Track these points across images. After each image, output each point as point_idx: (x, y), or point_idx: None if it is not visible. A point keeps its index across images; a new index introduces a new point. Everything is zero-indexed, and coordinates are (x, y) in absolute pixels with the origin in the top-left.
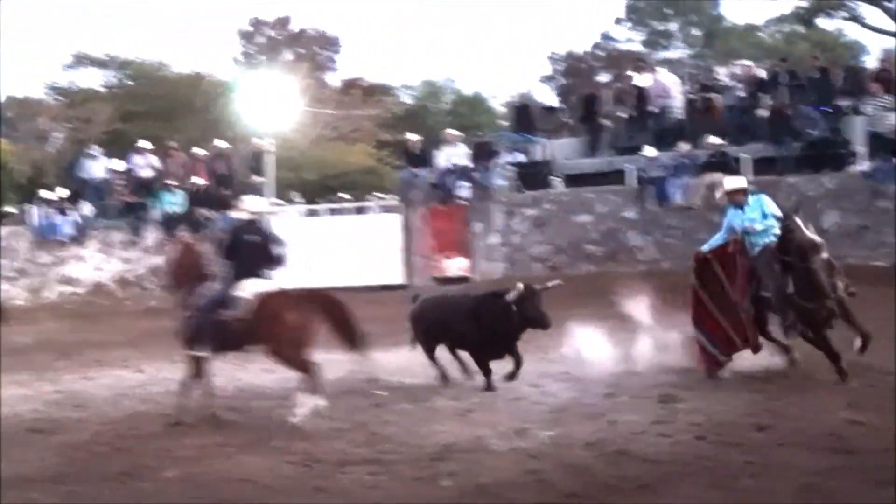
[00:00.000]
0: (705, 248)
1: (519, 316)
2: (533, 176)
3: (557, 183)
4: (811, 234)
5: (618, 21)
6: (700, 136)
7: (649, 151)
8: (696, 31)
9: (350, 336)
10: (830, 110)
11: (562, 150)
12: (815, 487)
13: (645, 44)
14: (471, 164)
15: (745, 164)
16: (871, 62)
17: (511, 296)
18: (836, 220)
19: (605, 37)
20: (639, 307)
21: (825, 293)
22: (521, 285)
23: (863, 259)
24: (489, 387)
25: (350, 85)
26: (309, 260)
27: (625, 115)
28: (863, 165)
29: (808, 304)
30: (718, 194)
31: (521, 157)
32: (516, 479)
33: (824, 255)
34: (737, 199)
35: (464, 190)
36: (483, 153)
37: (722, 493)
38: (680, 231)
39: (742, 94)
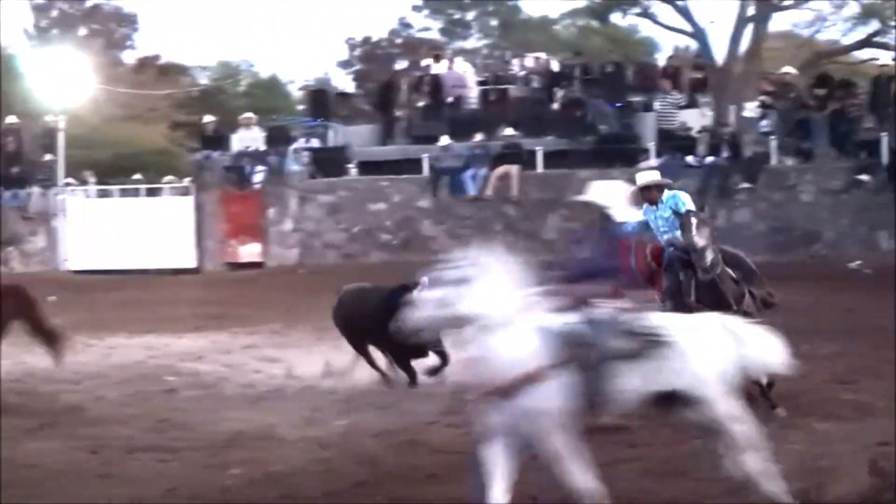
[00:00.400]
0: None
1: None
2: (328, 162)
3: (352, 170)
4: (697, 236)
5: (415, 8)
6: (495, 127)
7: (443, 141)
8: (492, 22)
9: (38, 330)
10: (622, 106)
11: (357, 136)
12: (600, 479)
13: (442, 32)
14: (266, 149)
15: (538, 157)
16: (664, 59)
17: None
18: None
19: (403, 23)
20: None
21: (727, 303)
22: None
23: None
24: (413, 382)
25: (145, 63)
26: (100, 241)
27: (421, 104)
28: (652, 161)
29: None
30: (630, 191)
31: (316, 143)
32: (306, 468)
33: (709, 257)
34: (649, 196)
35: (258, 174)
36: (278, 138)
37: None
38: (473, 221)
39: (536, 86)
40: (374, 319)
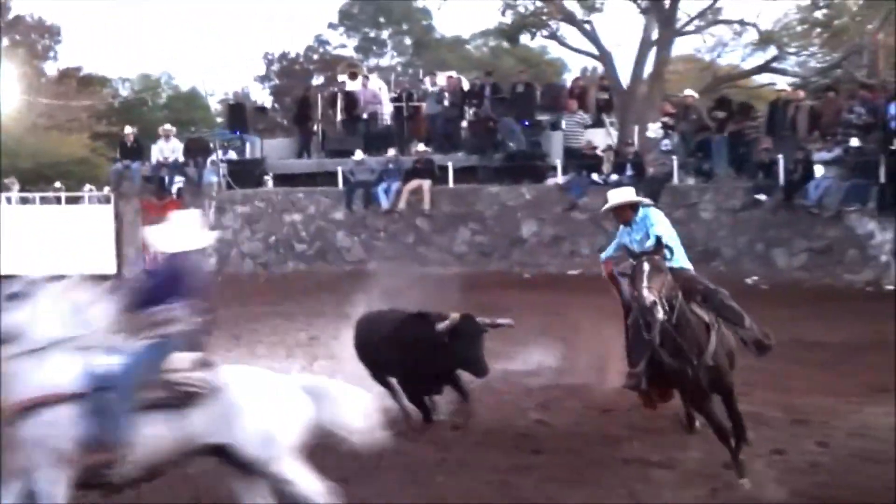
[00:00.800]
0: (604, 255)
1: (449, 351)
2: (245, 174)
3: (268, 182)
4: (647, 289)
5: (331, 26)
6: (407, 142)
7: (358, 155)
8: (407, 40)
9: None
10: (531, 124)
11: (274, 149)
12: (505, 484)
13: (358, 49)
14: (184, 160)
15: (449, 172)
16: (571, 80)
17: (442, 326)
18: (534, 229)
19: (319, 40)
20: (350, 306)
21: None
22: (456, 315)
23: (558, 268)
24: (427, 419)
25: (67, 75)
26: (21, 248)
27: (336, 119)
28: (559, 178)
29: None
30: (602, 211)
31: (233, 155)
32: (214, 471)
33: (659, 314)
34: (623, 217)
35: (177, 185)
36: (196, 149)
37: (417, 488)
38: (386, 233)
39: (448, 104)
40: (387, 349)
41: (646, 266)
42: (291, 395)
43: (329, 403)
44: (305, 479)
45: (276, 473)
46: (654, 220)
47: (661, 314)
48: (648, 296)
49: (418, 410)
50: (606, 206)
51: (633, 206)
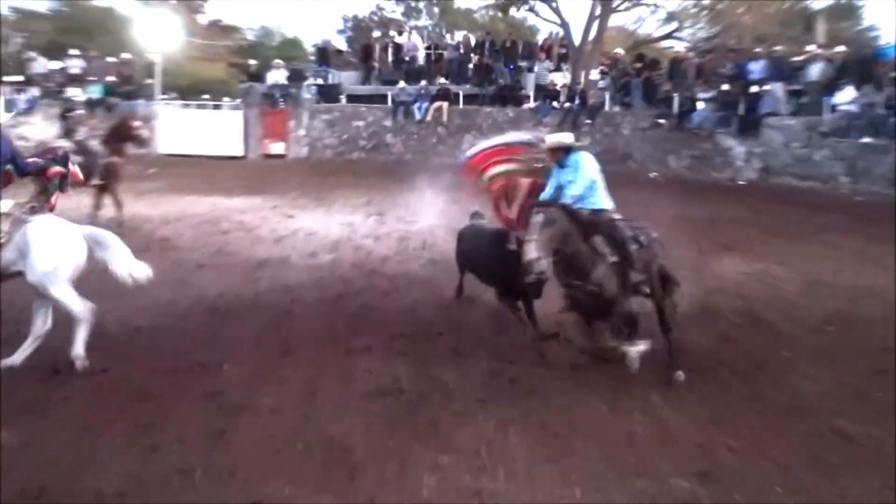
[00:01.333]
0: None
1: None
2: (328, 94)
3: (343, 99)
4: (535, 244)
5: None
6: (434, 77)
7: (401, 84)
8: (435, 9)
9: None
10: (514, 68)
11: (347, 78)
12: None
13: (403, 14)
14: (288, 83)
15: (460, 98)
16: (541, 39)
17: (510, 245)
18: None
19: (378, 7)
20: (393, 182)
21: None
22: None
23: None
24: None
25: (212, 24)
26: (182, 137)
27: (388, 60)
28: (531, 104)
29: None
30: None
31: (320, 81)
32: (306, 283)
33: (537, 269)
34: (555, 157)
35: (283, 100)
36: (296, 77)
37: (436, 297)
38: (418, 136)
39: (461, 52)
40: (483, 256)
41: (539, 218)
42: (72, 240)
43: (105, 248)
44: (73, 301)
45: (51, 295)
46: (583, 164)
47: (539, 269)
48: (531, 252)
49: (510, 310)
50: (546, 146)
51: (566, 149)
